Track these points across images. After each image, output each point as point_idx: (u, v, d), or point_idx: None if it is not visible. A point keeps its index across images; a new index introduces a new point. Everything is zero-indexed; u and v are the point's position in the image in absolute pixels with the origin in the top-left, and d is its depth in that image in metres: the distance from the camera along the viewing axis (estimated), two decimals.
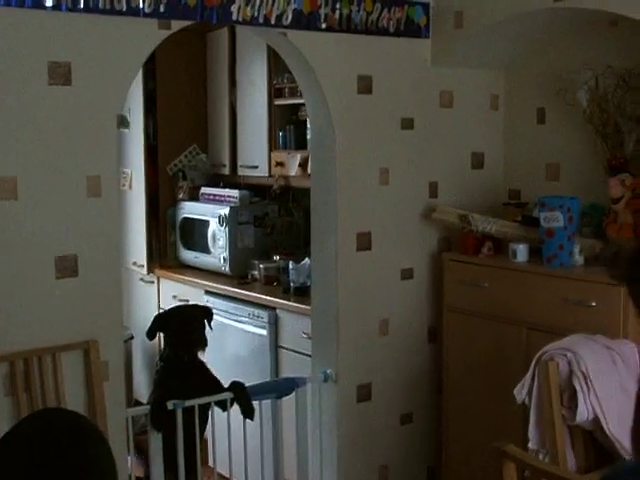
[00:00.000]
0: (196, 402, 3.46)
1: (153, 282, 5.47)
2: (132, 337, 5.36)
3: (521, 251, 3.66)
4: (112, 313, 3.23)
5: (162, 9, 3.20)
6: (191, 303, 4.56)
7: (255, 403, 3.58)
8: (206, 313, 3.81)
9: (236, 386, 3.55)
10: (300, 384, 3.72)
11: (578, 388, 2.93)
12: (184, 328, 3.67)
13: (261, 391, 3.62)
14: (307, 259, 4.40)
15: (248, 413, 3.51)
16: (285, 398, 3.73)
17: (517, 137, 4.23)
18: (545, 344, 3.14)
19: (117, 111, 3.22)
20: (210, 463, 4.22)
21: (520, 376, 3.18)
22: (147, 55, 3.31)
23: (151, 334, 3.75)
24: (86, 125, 3.12)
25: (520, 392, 3.14)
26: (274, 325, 4.55)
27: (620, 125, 3.60)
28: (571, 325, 3.32)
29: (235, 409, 3.55)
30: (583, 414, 2.93)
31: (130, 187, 5.46)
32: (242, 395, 3.51)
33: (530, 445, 3.10)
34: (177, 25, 3.29)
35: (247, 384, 3.61)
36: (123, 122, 5.33)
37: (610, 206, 3.59)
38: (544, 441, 3.04)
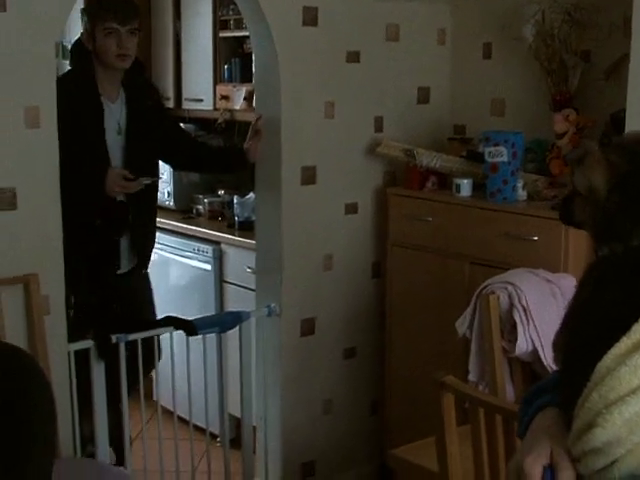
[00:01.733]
0: (139, 336, 3.44)
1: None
2: None
3: (465, 186, 3.67)
4: (52, 247, 3.17)
5: None
6: None
7: (199, 337, 3.57)
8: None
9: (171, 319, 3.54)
10: (244, 318, 3.71)
11: (518, 321, 2.97)
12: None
13: (205, 325, 3.61)
14: (252, 194, 4.37)
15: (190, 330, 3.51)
16: (229, 332, 3.73)
17: (463, 72, 4.22)
18: (487, 278, 3.17)
19: (55, 38, 3.14)
20: (154, 397, 4.22)
21: (462, 309, 3.22)
22: None
23: None
24: (22, 53, 3.02)
25: (461, 325, 3.18)
26: (218, 260, 4.53)
27: (565, 61, 3.60)
28: (513, 259, 3.36)
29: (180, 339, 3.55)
30: (522, 346, 2.97)
31: None
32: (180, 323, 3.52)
33: (470, 377, 3.15)
34: None
35: (191, 318, 3.60)
36: (64, 53, 5.20)
37: (554, 141, 3.61)
38: (484, 373, 3.08)
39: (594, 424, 1.43)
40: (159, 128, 3.77)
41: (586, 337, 1.59)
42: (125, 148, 3.62)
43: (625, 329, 1.50)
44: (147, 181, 3.60)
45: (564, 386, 1.62)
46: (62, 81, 3.39)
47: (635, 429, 1.42)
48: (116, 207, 3.60)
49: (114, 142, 3.60)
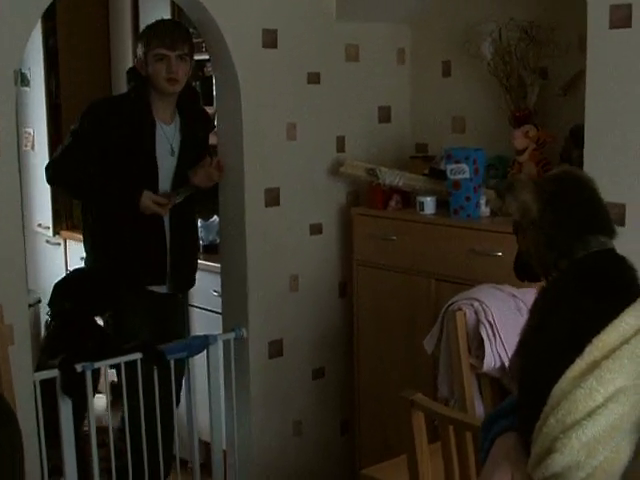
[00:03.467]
0: (106, 363, 3.41)
1: (59, 244, 5.36)
2: (40, 301, 5.25)
3: (428, 203, 3.69)
4: (16, 276, 3.14)
5: None
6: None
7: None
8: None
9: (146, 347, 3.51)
10: (211, 342, 3.69)
11: (485, 337, 2.98)
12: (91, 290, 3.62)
13: (172, 350, 3.58)
14: (216, 217, 4.36)
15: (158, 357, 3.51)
16: (197, 356, 3.70)
17: (423, 90, 4.25)
18: (453, 295, 3.17)
19: (14, 66, 3.11)
20: None
21: (430, 327, 3.22)
22: (44, 8, 3.19)
23: (55, 303, 3.66)
24: None
25: (429, 342, 3.18)
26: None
27: (523, 77, 3.64)
28: (479, 275, 3.37)
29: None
30: (490, 362, 2.98)
31: (33, 148, 5.33)
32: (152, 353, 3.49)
33: (440, 394, 3.15)
34: None
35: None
36: (23, 80, 5.18)
37: (515, 157, 3.64)
38: (453, 390, 3.09)
39: (553, 449, 1.44)
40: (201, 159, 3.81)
41: (540, 361, 1.60)
42: (176, 170, 3.74)
43: (578, 351, 1.51)
44: (179, 199, 3.69)
45: (521, 410, 1.63)
46: (113, 104, 3.76)
47: (594, 452, 1.42)
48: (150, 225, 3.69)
49: (166, 163, 3.72)
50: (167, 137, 3.71)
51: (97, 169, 3.63)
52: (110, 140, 3.62)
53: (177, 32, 3.66)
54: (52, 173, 3.69)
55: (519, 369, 1.68)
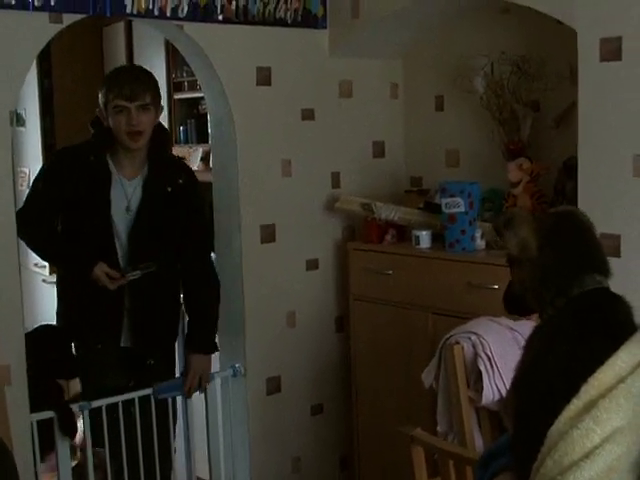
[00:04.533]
0: (104, 402, 3.40)
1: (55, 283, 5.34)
2: None
3: (424, 237, 3.70)
4: (12, 316, 3.13)
5: (53, 2, 3.10)
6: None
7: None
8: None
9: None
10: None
11: (483, 370, 2.97)
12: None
13: (170, 389, 3.57)
14: (212, 254, 4.35)
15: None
16: (195, 395, 3.69)
17: (417, 125, 4.27)
18: (450, 328, 3.17)
19: (10, 107, 3.13)
20: None
21: (427, 361, 3.21)
22: (39, 50, 3.22)
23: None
24: None
25: (427, 377, 3.17)
26: (181, 321, 4.49)
27: (516, 111, 3.66)
28: (475, 308, 3.37)
29: None
30: (489, 395, 2.97)
31: (28, 187, 5.33)
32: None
33: (439, 428, 3.13)
34: (69, 19, 3.22)
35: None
36: (18, 120, 5.21)
37: (509, 190, 3.65)
38: (452, 424, 3.08)
39: None
40: (174, 217, 3.46)
41: (535, 401, 1.59)
42: (132, 231, 3.40)
43: (574, 390, 1.50)
44: (134, 276, 3.34)
45: (517, 450, 1.61)
46: (74, 154, 3.42)
47: None
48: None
49: (121, 219, 3.39)
50: (125, 193, 3.38)
51: (52, 225, 3.41)
52: (63, 195, 3.36)
53: (137, 81, 3.33)
54: (17, 226, 3.21)
55: (514, 408, 1.67)
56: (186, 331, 3.62)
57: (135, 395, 3.46)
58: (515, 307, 1.96)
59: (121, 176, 3.40)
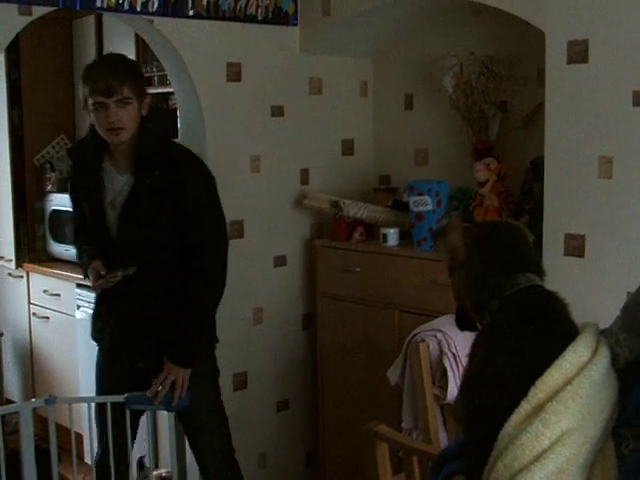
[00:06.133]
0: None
1: (22, 277, 5.31)
2: (2, 334, 5.21)
3: (392, 235, 3.72)
4: None
5: None
6: None
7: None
8: None
9: None
10: None
11: (448, 367, 3.00)
12: None
13: (142, 400, 3.53)
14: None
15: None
16: None
17: (386, 123, 4.29)
18: (417, 326, 3.20)
19: None
20: (87, 459, 4.14)
21: (393, 358, 3.24)
22: (7, 42, 3.21)
23: None
24: None
25: (393, 374, 3.20)
26: None
27: (484, 110, 3.69)
28: (441, 306, 3.39)
29: None
30: (453, 392, 2.99)
31: None
32: None
33: (404, 425, 3.16)
34: (38, 11, 3.20)
35: None
36: None
37: (477, 189, 3.68)
38: (417, 421, 3.10)
39: None
40: (158, 212, 3.20)
41: (484, 406, 1.60)
42: (119, 224, 3.22)
43: (523, 393, 1.51)
44: (117, 277, 3.14)
45: (469, 454, 1.63)
46: (79, 149, 3.33)
47: None
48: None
49: (111, 216, 3.25)
50: (114, 189, 3.22)
51: (80, 222, 3.36)
52: (73, 190, 3.32)
53: (114, 74, 3.07)
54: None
55: (464, 415, 1.68)
56: None
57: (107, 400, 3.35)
58: (463, 322, 1.95)
59: (114, 171, 3.25)
